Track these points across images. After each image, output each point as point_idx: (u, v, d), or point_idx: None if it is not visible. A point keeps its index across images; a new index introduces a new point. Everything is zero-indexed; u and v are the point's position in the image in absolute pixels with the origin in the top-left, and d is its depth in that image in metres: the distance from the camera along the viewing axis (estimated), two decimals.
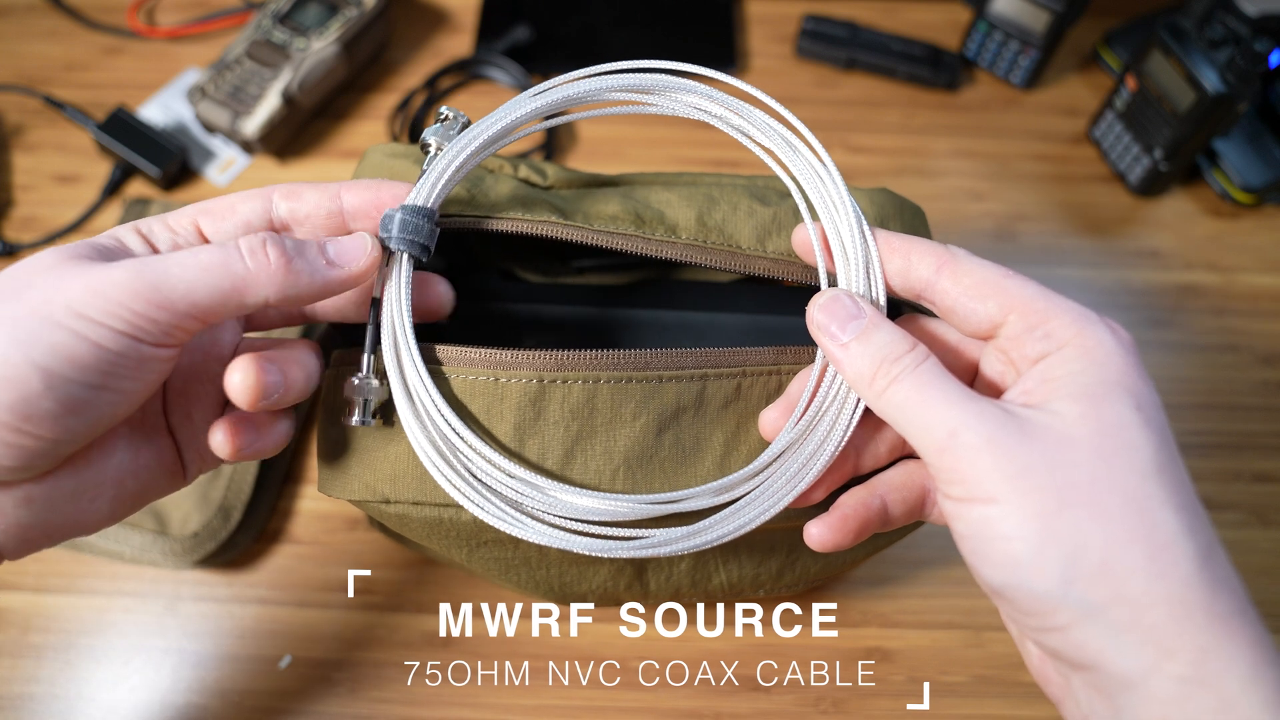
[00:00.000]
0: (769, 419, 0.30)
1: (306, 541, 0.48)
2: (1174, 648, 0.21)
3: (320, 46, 0.61)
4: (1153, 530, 0.22)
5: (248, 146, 0.61)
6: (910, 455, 0.30)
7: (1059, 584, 0.22)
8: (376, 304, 0.29)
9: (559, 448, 0.30)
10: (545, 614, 0.45)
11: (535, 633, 0.45)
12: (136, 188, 0.60)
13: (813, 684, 0.44)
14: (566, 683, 0.44)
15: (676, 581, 0.37)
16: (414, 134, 0.63)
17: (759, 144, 0.32)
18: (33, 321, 0.23)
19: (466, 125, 0.30)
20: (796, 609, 0.46)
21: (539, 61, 0.68)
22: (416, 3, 0.72)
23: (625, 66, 0.31)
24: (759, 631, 0.45)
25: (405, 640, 0.45)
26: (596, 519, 0.29)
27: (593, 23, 0.72)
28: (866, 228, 0.29)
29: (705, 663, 0.44)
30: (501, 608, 0.45)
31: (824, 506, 0.29)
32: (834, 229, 0.30)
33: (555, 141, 0.64)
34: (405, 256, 0.29)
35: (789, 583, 0.38)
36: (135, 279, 0.24)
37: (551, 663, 0.44)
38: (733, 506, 0.29)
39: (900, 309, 0.32)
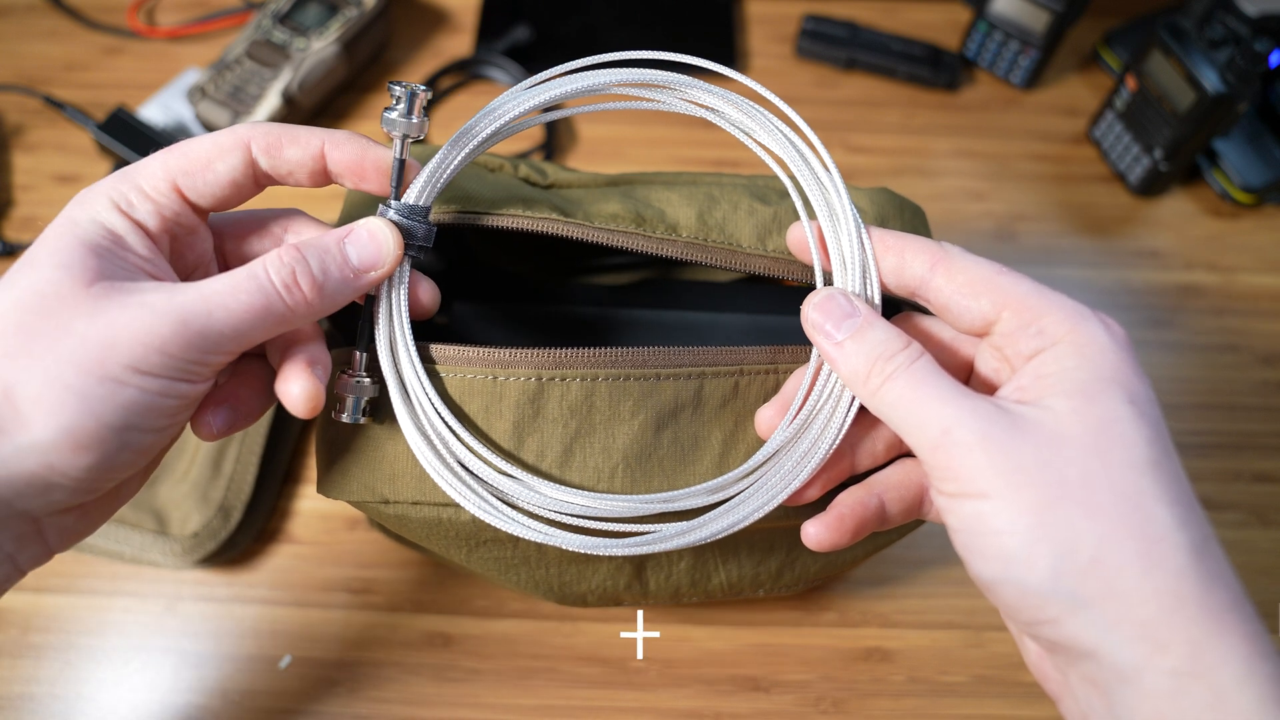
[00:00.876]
0: (764, 418, 0.30)
1: (306, 541, 0.48)
2: (1167, 642, 0.21)
3: (320, 46, 0.61)
4: (1145, 525, 0.22)
5: None
6: (908, 454, 0.30)
7: (1050, 579, 0.22)
8: (370, 300, 0.29)
9: (558, 445, 0.30)
10: (545, 614, 0.45)
11: (535, 633, 0.45)
12: None
13: (813, 684, 0.44)
14: (566, 683, 0.44)
15: (676, 581, 0.37)
16: None
17: (757, 141, 0.31)
18: (97, 385, 0.23)
19: (426, 97, 0.29)
20: (796, 609, 0.46)
21: (539, 61, 0.68)
22: (416, 3, 0.72)
23: (625, 59, 0.30)
24: (759, 631, 0.45)
25: (405, 640, 0.45)
26: (591, 516, 0.29)
27: (593, 23, 0.72)
28: (863, 228, 0.29)
29: (705, 663, 0.44)
30: (501, 608, 0.45)
31: (821, 506, 0.29)
32: (831, 228, 0.30)
33: (555, 141, 0.64)
34: (405, 259, 0.29)
35: (789, 582, 0.38)
36: (183, 329, 0.24)
37: (552, 663, 0.44)
38: (726, 505, 0.29)
39: (899, 307, 0.32)
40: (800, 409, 0.29)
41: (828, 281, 0.30)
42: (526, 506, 0.29)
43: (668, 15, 0.72)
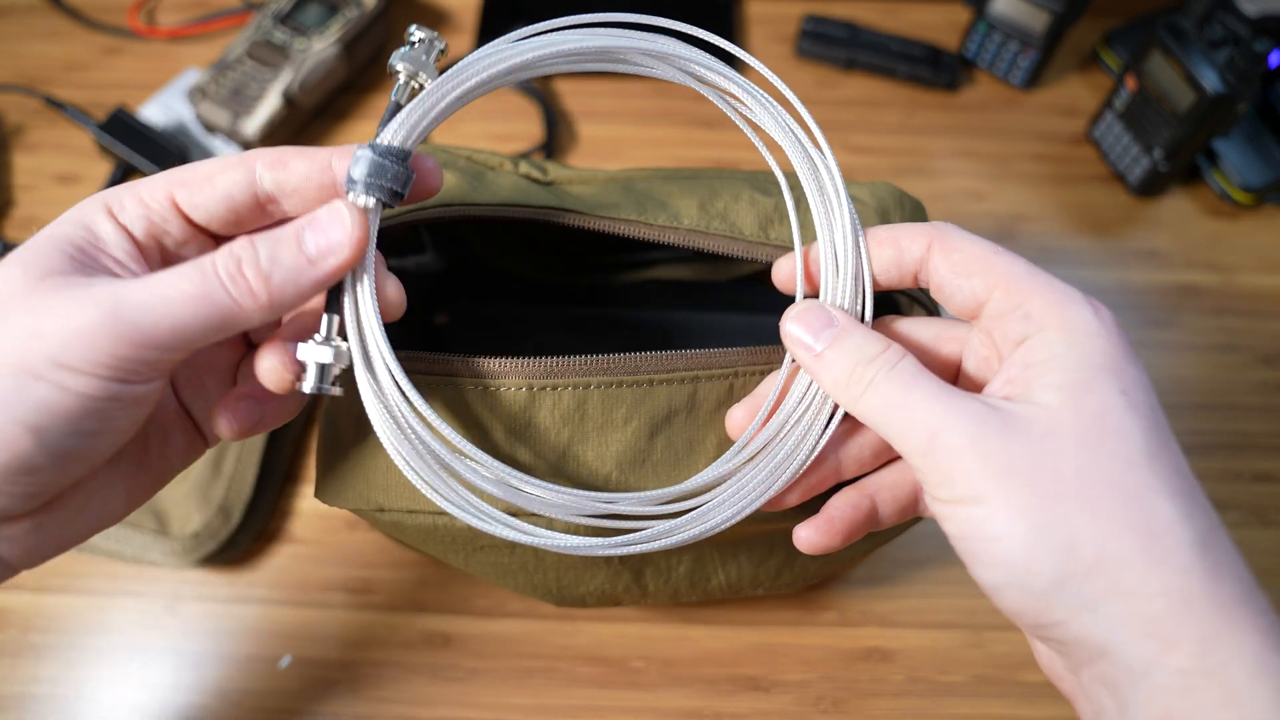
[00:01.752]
0: (735, 418, 0.30)
1: (306, 541, 0.48)
2: (1176, 639, 0.21)
3: (321, 47, 0.61)
4: (1146, 519, 0.22)
5: (248, 147, 0.61)
6: (899, 458, 0.30)
7: (1053, 581, 0.22)
8: (338, 287, 0.26)
9: (551, 454, 0.30)
10: (545, 614, 0.45)
11: (535, 633, 0.45)
12: None
13: (812, 684, 0.44)
14: (566, 683, 0.44)
15: (675, 583, 0.37)
16: None
17: (754, 125, 0.30)
18: (14, 378, 0.22)
19: (442, 52, 0.27)
20: (796, 609, 0.46)
21: None
22: (416, 3, 0.72)
23: (629, 20, 0.28)
24: (759, 631, 0.45)
25: (405, 640, 0.45)
26: (563, 517, 0.27)
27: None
28: (859, 229, 0.28)
29: (705, 663, 0.44)
30: (501, 608, 0.45)
31: (815, 508, 0.29)
32: (825, 222, 0.29)
33: (555, 140, 0.64)
34: (374, 203, 0.25)
35: (788, 581, 0.38)
36: (114, 320, 0.22)
37: (551, 663, 0.44)
38: (695, 512, 0.28)
39: (881, 312, 0.31)
40: (771, 414, 0.28)
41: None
42: (492, 492, 0.26)
43: (668, 15, 0.72)
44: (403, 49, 0.26)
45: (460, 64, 0.26)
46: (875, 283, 0.28)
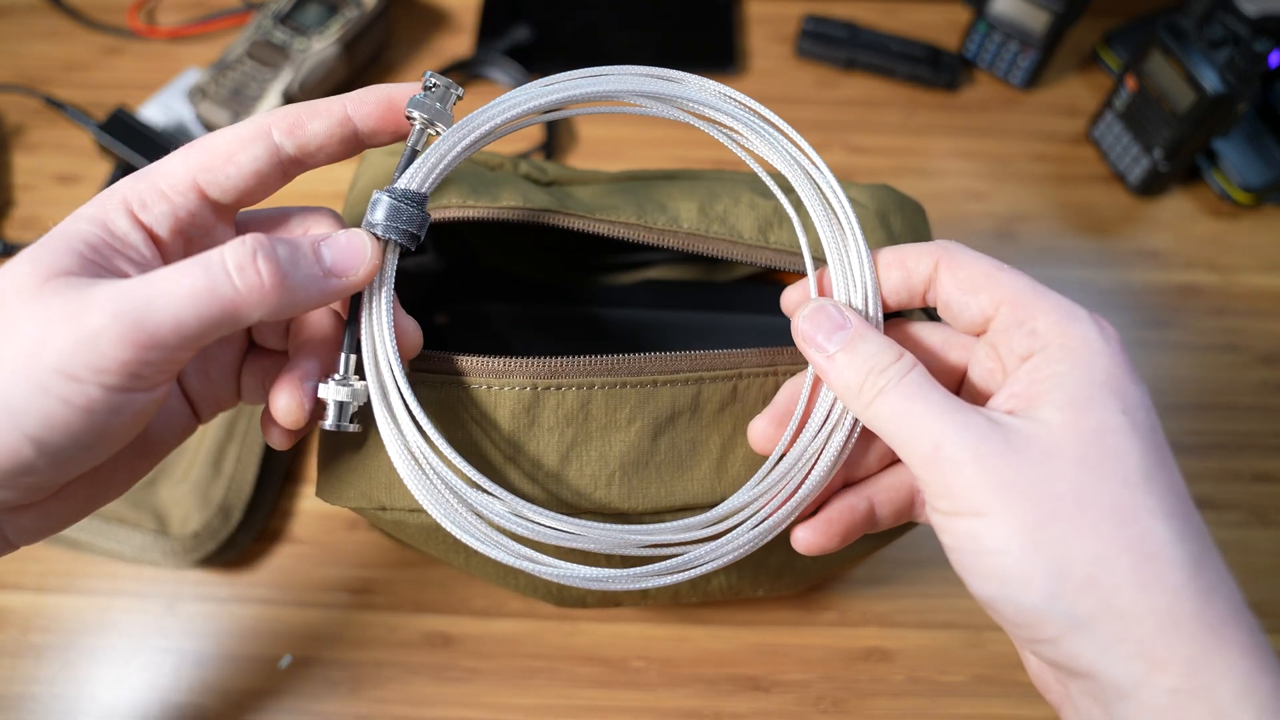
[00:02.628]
0: (758, 429, 0.30)
1: (306, 541, 0.48)
2: (1164, 660, 0.21)
3: (320, 47, 0.61)
4: (1140, 540, 0.22)
5: None
6: (898, 460, 0.30)
7: (1046, 598, 0.22)
8: (356, 299, 0.27)
9: (553, 454, 0.30)
10: (545, 614, 0.45)
11: (535, 633, 0.45)
12: None
13: (812, 684, 0.44)
14: (566, 683, 0.44)
15: (675, 585, 0.37)
16: None
17: (755, 155, 0.31)
18: (18, 388, 0.21)
19: (460, 98, 0.28)
20: (796, 609, 0.46)
21: (539, 61, 0.68)
22: (416, 3, 0.72)
23: (639, 72, 0.29)
24: (759, 631, 0.45)
25: (405, 640, 0.45)
26: (577, 547, 0.27)
27: (593, 23, 0.72)
28: (867, 250, 0.29)
29: (705, 663, 0.44)
30: (501, 608, 0.45)
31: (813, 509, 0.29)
32: (833, 240, 0.29)
33: (555, 141, 0.64)
34: (392, 246, 0.27)
35: (789, 582, 0.38)
36: (118, 321, 0.21)
37: (551, 663, 0.44)
38: (720, 540, 0.28)
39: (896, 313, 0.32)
40: (801, 426, 0.28)
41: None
42: (511, 529, 0.27)
43: (668, 15, 0.72)
44: (418, 95, 0.27)
45: (470, 116, 0.28)
46: (885, 305, 0.28)
